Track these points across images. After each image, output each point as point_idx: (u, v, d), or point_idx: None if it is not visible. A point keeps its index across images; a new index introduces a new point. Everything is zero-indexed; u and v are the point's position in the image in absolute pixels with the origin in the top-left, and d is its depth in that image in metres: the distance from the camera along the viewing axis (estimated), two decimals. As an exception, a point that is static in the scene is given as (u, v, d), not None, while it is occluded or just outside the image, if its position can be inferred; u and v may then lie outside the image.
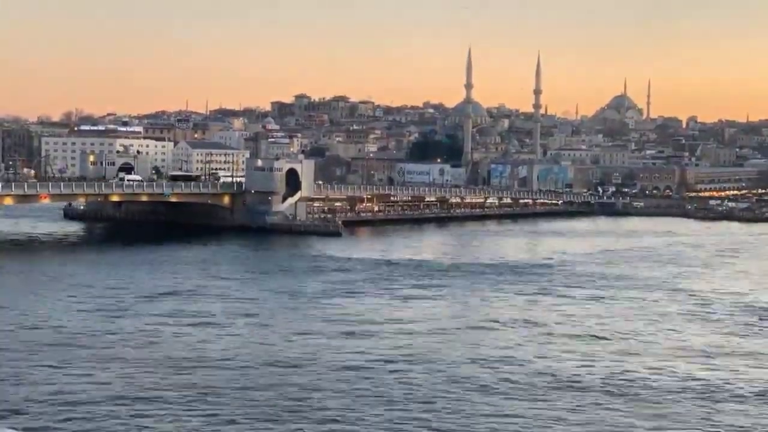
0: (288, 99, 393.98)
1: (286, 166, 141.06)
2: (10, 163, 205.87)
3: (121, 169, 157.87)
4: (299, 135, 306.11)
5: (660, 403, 44.66)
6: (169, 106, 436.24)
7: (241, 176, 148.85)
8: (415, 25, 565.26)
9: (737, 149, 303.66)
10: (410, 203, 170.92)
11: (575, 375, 49.33)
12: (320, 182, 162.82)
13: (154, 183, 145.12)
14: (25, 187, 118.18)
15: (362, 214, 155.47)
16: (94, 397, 42.44)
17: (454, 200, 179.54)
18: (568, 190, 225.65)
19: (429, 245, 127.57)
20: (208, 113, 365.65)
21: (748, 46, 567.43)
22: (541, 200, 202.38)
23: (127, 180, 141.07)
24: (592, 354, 55.01)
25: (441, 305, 73.12)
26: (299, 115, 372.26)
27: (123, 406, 41.37)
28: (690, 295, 79.87)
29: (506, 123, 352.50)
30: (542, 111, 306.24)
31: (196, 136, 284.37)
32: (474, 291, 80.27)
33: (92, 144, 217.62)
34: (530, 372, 49.63)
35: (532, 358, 53.13)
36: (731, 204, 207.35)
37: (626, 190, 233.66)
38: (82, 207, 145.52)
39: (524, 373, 49.26)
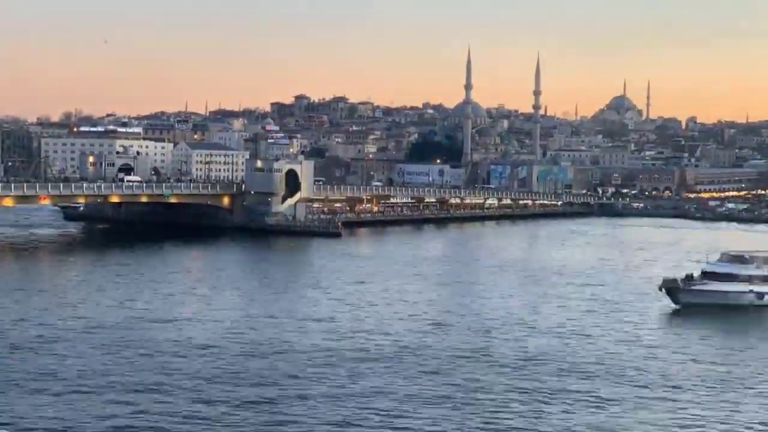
0: (288, 100, 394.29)
1: (286, 167, 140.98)
2: (9, 164, 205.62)
3: (120, 170, 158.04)
4: (299, 136, 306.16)
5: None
6: (169, 106, 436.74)
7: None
8: (414, 25, 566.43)
9: (737, 150, 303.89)
10: (410, 204, 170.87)
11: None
12: (320, 182, 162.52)
13: (154, 184, 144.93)
14: (25, 187, 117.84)
15: (362, 215, 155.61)
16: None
17: (453, 201, 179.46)
18: (567, 190, 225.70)
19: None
20: (207, 114, 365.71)
21: (747, 46, 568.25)
22: (541, 201, 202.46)
23: (127, 181, 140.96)
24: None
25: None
26: (299, 116, 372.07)
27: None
28: None
29: (506, 124, 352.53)
30: (542, 112, 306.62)
31: (195, 137, 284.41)
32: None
33: (92, 145, 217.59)
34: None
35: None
36: (731, 205, 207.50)
37: (626, 190, 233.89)
38: (81, 208, 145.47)
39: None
